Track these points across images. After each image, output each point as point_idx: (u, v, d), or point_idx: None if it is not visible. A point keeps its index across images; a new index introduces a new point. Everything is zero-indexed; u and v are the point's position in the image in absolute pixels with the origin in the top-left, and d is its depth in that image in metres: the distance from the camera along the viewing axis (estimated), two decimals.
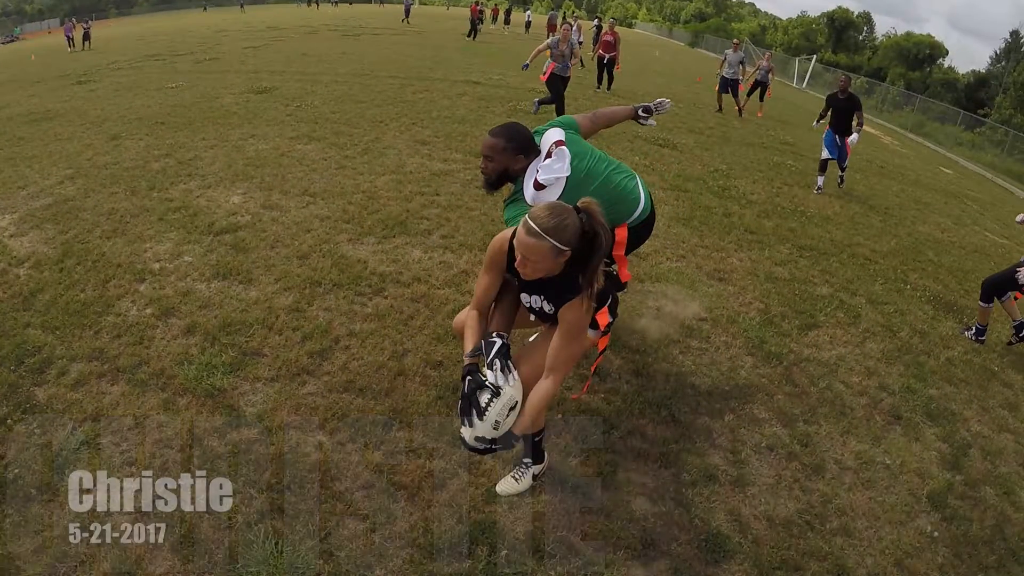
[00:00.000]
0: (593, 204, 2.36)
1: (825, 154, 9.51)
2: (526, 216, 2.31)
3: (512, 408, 2.42)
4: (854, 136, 9.51)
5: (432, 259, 5.09)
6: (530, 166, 3.12)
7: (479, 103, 10.69)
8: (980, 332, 5.55)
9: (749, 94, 15.92)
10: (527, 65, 11.49)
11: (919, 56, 61.60)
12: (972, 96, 51.02)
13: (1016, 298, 5.30)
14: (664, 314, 4.61)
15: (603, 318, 2.76)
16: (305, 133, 7.86)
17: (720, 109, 15.34)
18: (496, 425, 2.38)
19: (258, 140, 7.45)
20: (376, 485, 2.89)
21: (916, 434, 3.98)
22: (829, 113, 9.60)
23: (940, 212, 10.57)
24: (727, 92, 15.29)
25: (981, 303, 5.43)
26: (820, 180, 9.52)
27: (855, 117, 9.34)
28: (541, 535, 2.75)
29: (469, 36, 26.18)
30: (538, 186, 3.08)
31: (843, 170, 9.83)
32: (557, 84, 10.70)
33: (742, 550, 2.88)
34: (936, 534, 3.24)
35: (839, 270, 6.25)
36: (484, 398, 2.38)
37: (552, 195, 3.05)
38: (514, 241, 2.35)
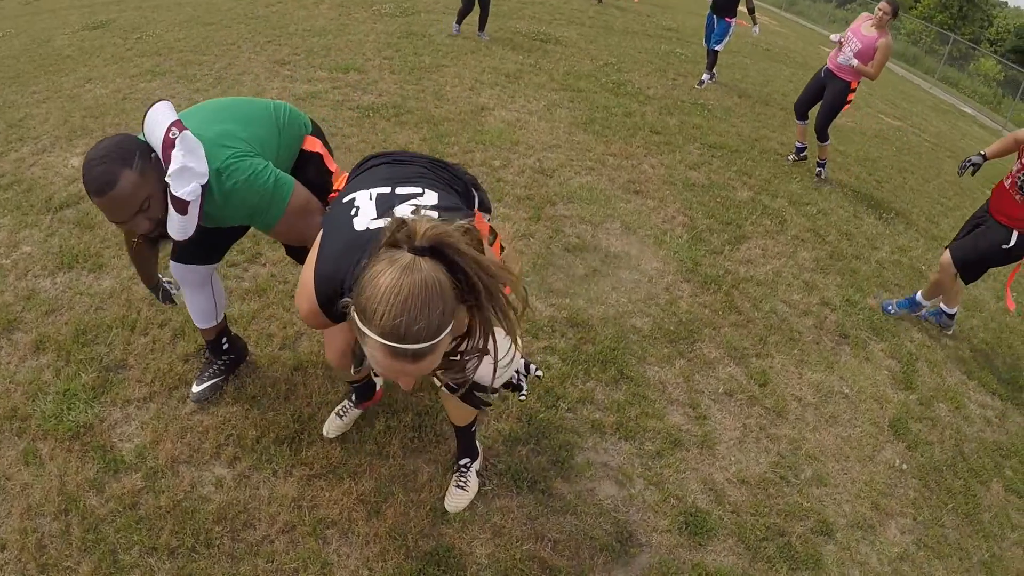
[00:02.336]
0: (426, 225, 1.31)
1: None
2: (372, 337, 1.30)
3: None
4: (755, 29, 9.23)
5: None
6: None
7: (339, 11, 9.63)
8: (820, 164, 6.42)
9: None
10: None
11: None
12: None
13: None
14: (585, 243, 4.22)
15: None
16: (148, 68, 6.74)
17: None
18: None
19: (96, 84, 6.30)
20: (298, 526, 2.36)
21: (865, 353, 3.94)
22: None
23: None
24: None
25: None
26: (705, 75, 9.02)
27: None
28: (506, 555, 2.34)
29: None
30: (180, 205, 2.03)
31: (711, 57, 9.01)
32: None
33: (723, 524, 2.64)
34: (904, 466, 3.24)
35: (754, 169, 6.08)
36: None
37: (195, 218, 2.09)
38: (378, 370, 1.45)
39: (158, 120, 2.04)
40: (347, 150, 5.04)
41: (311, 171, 2.50)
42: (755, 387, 3.37)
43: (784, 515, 2.75)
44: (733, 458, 2.95)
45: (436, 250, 1.29)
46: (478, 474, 2.55)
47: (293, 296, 3.38)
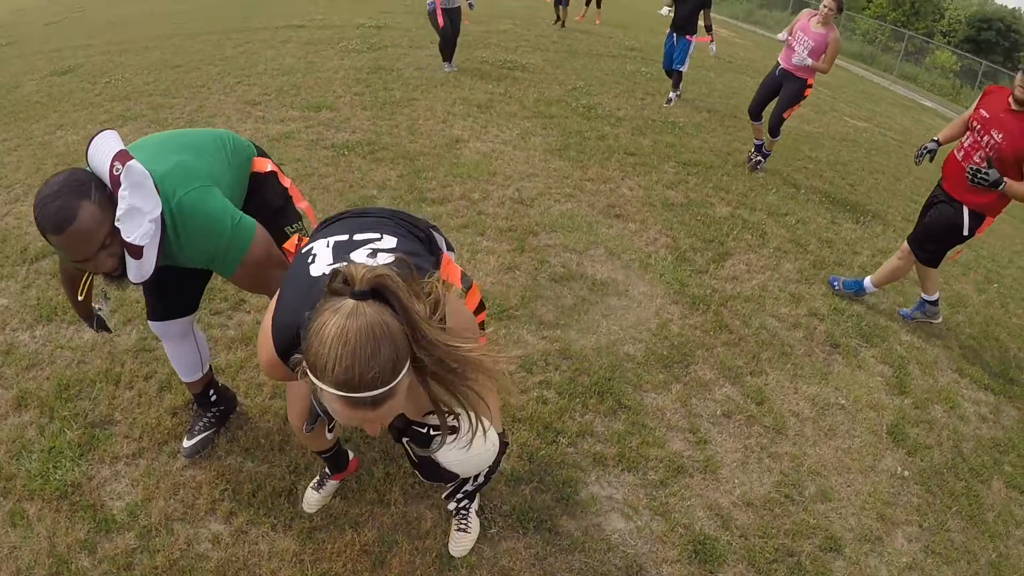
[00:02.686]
0: (363, 269, 1.28)
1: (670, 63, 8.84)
2: (327, 391, 1.26)
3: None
4: (712, 47, 9.03)
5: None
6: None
7: (306, 48, 9.63)
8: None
9: (587, 2, 15.47)
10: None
11: None
12: None
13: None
14: (571, 272, 4.23)
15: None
16: (119, 113, 6.69)
17: (558, 20, 14.77)
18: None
19: (67, 130, 6.24)
20: None
21: (857, 361, 3.97)
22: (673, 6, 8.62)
23: None
24: (562, 3, 14.58)
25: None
26: (671, 95, 9.01)
27: (702, 15, 8.49)
28: None
29: None
30: (133, 251, 1.87)
31: (677, 78, 8.92)
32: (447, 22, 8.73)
33: (732, 550, 2.63)
34: (906, 473, 3.25)
35: (730, 184, 6.15)
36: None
37: (151, 258, 1.93)
38: (341, 421, 1.42)
39: (102, 151, 1.86)
40: (324, 190, 5.03)
41: (268, 192, 2.42)
42: (752, 406, 3.38)
43: (792, 535, 2.75)
44: (737, 480, 2.95)
45: (377, 292, 1.26)
46: (478, 513, 2.53)
47: None
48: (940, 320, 4.61)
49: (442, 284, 1.45)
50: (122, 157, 1.81)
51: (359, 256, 1.58)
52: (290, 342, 1.46)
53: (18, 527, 2.41)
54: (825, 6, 5.95)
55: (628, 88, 9.46)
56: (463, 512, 2.46)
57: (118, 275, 1.96)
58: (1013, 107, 3.74)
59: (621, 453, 2.91)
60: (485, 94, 8.12)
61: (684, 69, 8.80)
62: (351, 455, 2.67)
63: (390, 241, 1.66)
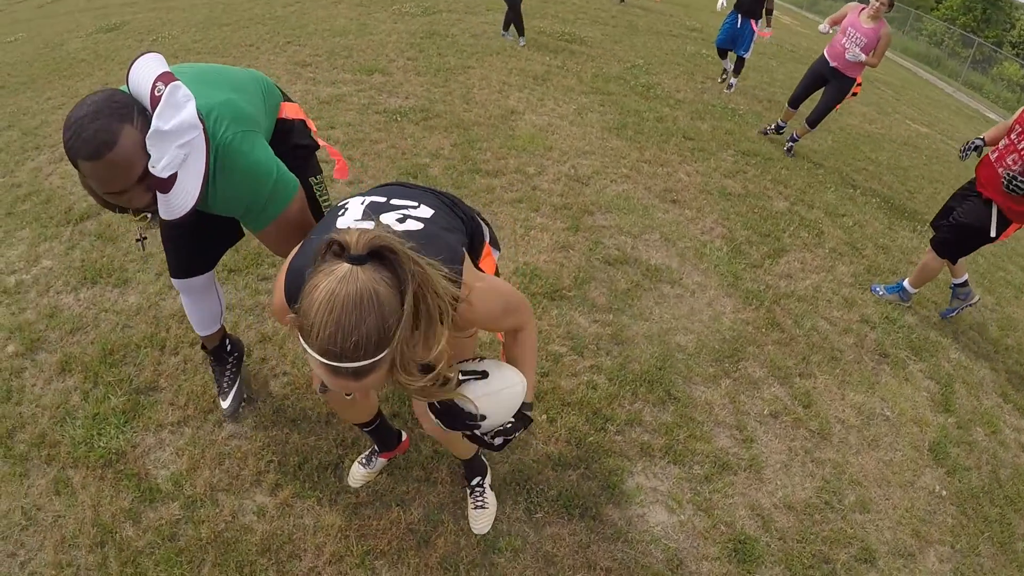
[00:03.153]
0: (360, 232, 1.22)
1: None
2: (312, 356, 1.23)
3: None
4: (767, 31, 8.45)
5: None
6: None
7: (358, 10, 9.43)
8: None
9: None
10: None
11: None
12: None
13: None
14: (626, 256, 4.20)
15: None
16: None
17: None
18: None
19: None
20: (346, 557, 2.31)
21: (905, 373, 3.91)
22: None
23: (861, 100, 10.60)
24: None
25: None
26: (727, 64, 8.77)
27: None
28: None
29: None
30: (163, 185, 1.69)
31: (739, 64, 8.59)
32: None
33: (771, 552, 2.64)
34: (944, 492, 3.22)
35: (789, 178, 6.03)
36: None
37: (191, 189, 1.74)
38: (322, 391, 1.55)
39: (145, 72, 1.67)
40: (376, 155, 5.01)
41: (294, 141, 2.26)
42: (800, 408, 3.35)
43: (829, 542, 2.75)
44: (779, 482, 2.94)
45: (376, 255, 1.21)
46: (492, 487, 2.54)
47: None
48: (978, 299, 4.60)
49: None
50: (166, 78, 1.65)
51: (388, 218, 1.53)
52: (299, 289, 1.32)
53: (62, 495, 2.41)
54: (877, 1, 5.85)
55: (688, 70, 9.29)
56: (478, 489, 2.48)
57: (151, 211, 1.77)
58: None
59: (668, 445, 2.91)
60: (542, 66, 8.01)
61: (747, 56, 8.49)
62: (404, 435, 2.66)
63: (426, 211, 1.61)
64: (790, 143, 6.85)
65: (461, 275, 1.48)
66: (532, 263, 3.91)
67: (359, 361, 1.20)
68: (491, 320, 1.63)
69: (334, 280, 1.17)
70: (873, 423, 3.45)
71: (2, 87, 6.61)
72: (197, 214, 1.81)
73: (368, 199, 1.63)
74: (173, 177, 1.67)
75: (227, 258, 3.62)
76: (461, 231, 1.71)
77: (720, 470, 2.88)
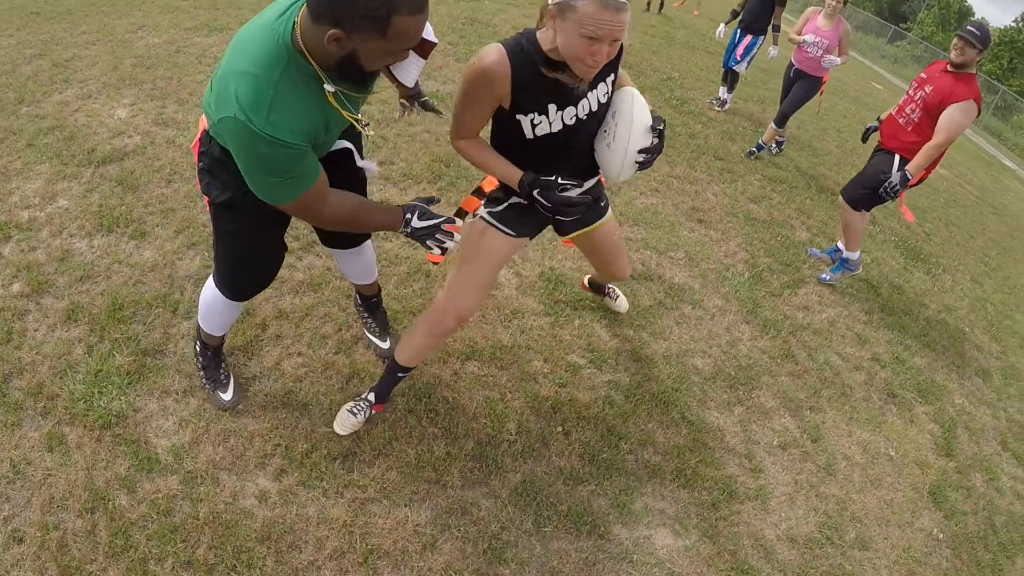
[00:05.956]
0: None
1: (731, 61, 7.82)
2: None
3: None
4: (772, 50, 7.62)
5: (374, 198, 3.94)
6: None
7: None
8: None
9: None
10: None
11: None
12: (894, 9, 51.63)
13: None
14: (650, 272, 4.14)
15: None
16: (205, 22, 6.49)
17: (649, 8, 14.20)
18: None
19: (149, 32, 6.06)
20: (348, 554, 2.22)
21: (910, 415, 3.86)
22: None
23: None
24: None
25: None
26: (722, 92, 8.18)
27: (774, 13, 7.36)
28: None
29: None
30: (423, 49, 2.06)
31: (733, 78, 8.00)
32: None
33: None
34: (940, 535, 3.18)
35: (813, 209, 5.95)
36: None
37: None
38: (583, 34, 1.70)
39: None
40: (410, 139, 4.91)
41: None
42: (808, 442, 3.31)
43: None
44: (784, 514, 2.90)
45: None
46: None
47: (350, 296, 3.20)
48: (860, 271, 4.95)
49: None
50: None
51: None
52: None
53: (55, 452, 2.27)
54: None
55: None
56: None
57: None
58: (949, 69, 4.22)
59: (679, 468, 2.86)
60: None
61: (742, 71, 7.83)
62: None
63: None
64: (753, 150, 6.82)
65: None
66: (558, 269, 3.86)
67: None
68: None
69: None
70: (877, 462, 3.40)
71: (38, 13, 6.46)
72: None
73: None
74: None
75: None
76: None
77: (728, 497, 2.84)
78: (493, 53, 1.87)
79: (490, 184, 2.38)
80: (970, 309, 5.55)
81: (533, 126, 2.02)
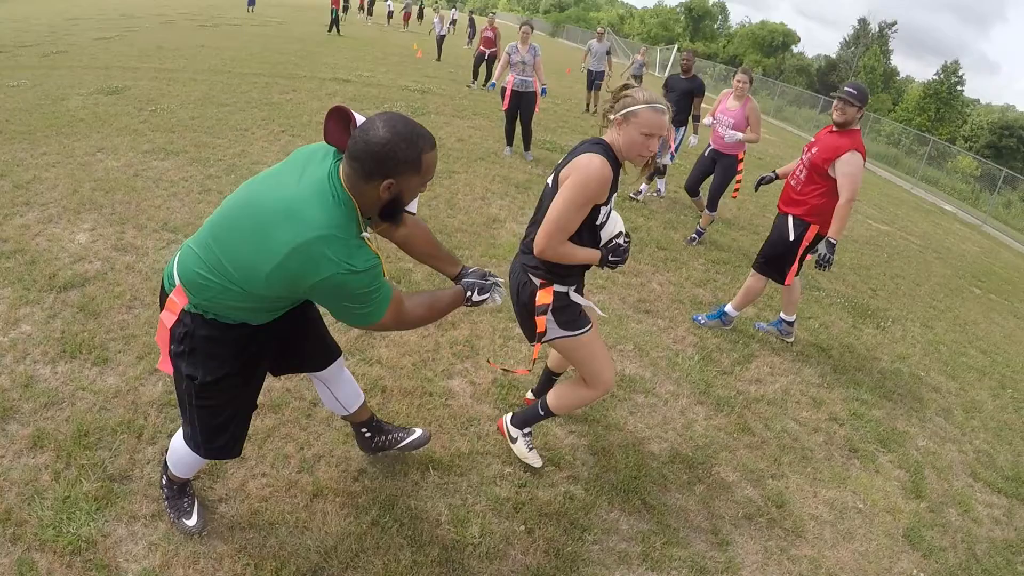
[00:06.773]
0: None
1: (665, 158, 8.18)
2: (647, 102, 2.45)
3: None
4: (692, 139, 8.38)
5: (327, 318, 4.04)
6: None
7: (351, 104, 9.49)
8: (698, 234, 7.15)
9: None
10: (493, 85, 9.66)
11: (773, 43, 65.77)
12: (824, 80, 54.68)
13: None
14: None
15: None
16: (161, 146, 6.78)
17: (588, 109, 15.07)
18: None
19: (108, 155, 6.33)
20: None
21: (875, 466, 3.94)
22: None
23: None
24: (594, 88, 14.66)
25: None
26: (658, 184, 8.88)
27: (693, 103, 8.04)
28: None
29: (330, 31, 23.89)
30: None
31: (660, 172, 8.54)
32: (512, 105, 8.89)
33: None
34: (921, 575, 3.21)
35: None
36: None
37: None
38: (643, 132, 2.43)
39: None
40: None
41: None
42: (773, 509, 3.37)
43: None
44: None
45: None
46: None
47: (309, 416, 3.29)
48: (792, 340, 5.20)
49: None
50: None
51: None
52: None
53: None
54: (738, 81, 6.45)
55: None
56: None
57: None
58: (833, 129, 4.50)
59: (645, 552, 2.91)
60: (524, 174, 8.26)
61: (668, 162, 8.33)
62: None
63: None
64: (694, 236, 7.12)
65: None
66: (510, 374, 3.98)
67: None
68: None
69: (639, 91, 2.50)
70: (846, 516, 3.46)
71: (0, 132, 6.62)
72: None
73: None
74: None
75: None
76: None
77: (698, 574, 2.88)
78: (601, 160, 2.44)
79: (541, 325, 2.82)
80: (923, 354, 5.72)
81: (602, 214, 2.63)
